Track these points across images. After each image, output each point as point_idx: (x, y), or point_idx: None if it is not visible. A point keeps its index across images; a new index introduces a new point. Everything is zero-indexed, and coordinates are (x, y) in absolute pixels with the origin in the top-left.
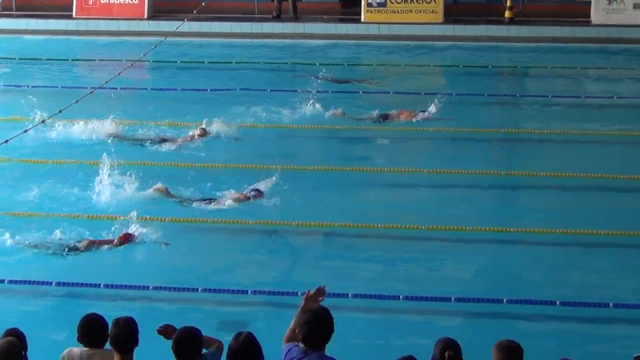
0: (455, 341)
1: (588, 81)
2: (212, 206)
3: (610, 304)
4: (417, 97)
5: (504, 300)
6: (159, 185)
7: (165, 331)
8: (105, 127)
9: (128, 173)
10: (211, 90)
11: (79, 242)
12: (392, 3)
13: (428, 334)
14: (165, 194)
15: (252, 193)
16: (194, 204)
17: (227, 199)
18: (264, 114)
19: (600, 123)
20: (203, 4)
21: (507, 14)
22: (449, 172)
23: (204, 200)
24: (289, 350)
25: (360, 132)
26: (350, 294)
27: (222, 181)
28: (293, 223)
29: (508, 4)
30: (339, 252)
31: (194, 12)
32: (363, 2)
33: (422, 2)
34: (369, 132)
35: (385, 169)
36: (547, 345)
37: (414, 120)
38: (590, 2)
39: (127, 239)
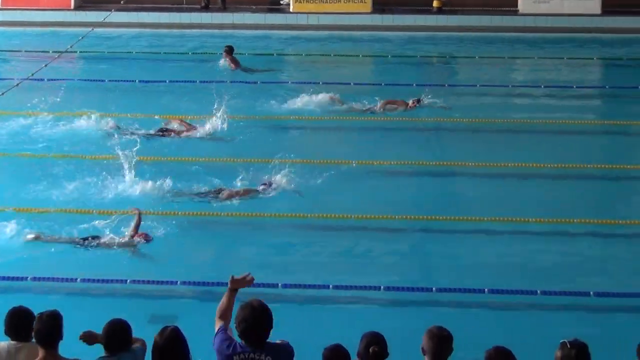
0: (382, 336)
1: (516, 70)
2: (222, 199)
3: (591, 292)
4: (347, 87)
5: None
6: (163, 180)
7: (88, 336)
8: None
9: (130, 168)
10: (140, 81)
11: (96, 238)
12: None
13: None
14: (169, 189)
15: (261, 186)
16: (202, 198)
17: (237, 192)
18: (194, 106)
19: (528, 112)
20: None
21: (435, 3)
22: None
23: (212, 193)
24: (229, 345)
25: (359, 123)
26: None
27: (222, 175)
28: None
29: None
30: (354, 243)
31: (122, 2)
32: None
33: None
34: (369, 123)
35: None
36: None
37: (407, 110)
38: None
39: (144, 237)
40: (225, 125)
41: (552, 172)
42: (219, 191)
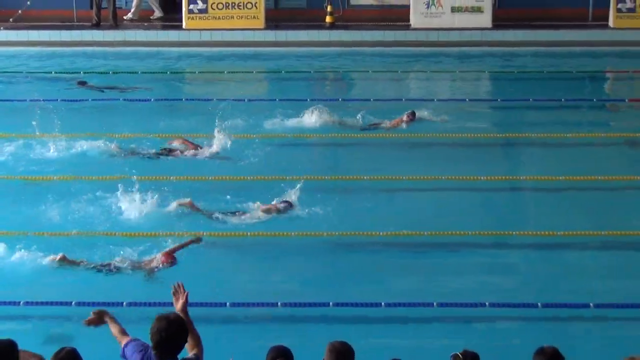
0: (288, 350)
1: (409, 84)
2: (243, 219)
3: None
4: (241, 104)
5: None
6: (184, 199)
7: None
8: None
9: (145, 188)
10: (31, 100)
11: (120, 261)
12: (214, 9)
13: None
14: (191, 208)
15: (282, 204)
16: (223, 217)
17: (257, 211)
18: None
19: (424, 125)
20: (20, 12)
21: (327, 19)
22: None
23: (233, 213)
24: (144, 355)
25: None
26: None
27: (237, 194)
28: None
29: (328, 9)
30: (379, 260)
31: (11, 20)
32: (184, 9)
33: (244, 8)
34: (371, 139)
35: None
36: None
37: (404, 126)
38: (409, 7)
39: (168, 260)
40: (229, 144)
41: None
42: (240, 211)
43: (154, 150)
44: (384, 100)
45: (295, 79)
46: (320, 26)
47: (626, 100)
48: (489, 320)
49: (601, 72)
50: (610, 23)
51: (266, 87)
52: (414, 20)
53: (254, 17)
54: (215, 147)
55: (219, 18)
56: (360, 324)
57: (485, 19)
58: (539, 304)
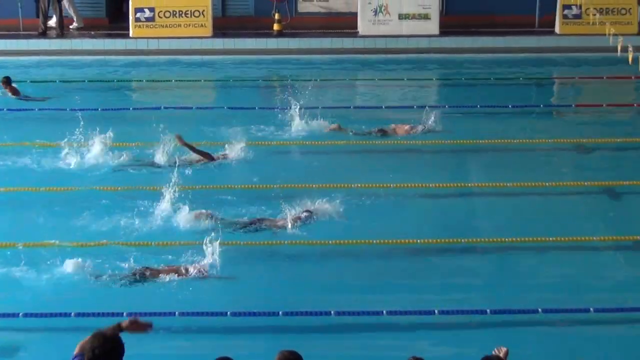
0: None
1: (357, 91)
2: (265, 228)
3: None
4: (189, 112)
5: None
6: (203, 210)
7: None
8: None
9: (161, 198)
10: None
11: (148, 270)
12: (161, 17)
13: None
14: (210, 218)
15: (304, 214)
16: (243, 227)
17: (278, 221)
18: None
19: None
20: None
21: (275, 26)
22: None
23: (252, 222)
24: None
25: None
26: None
27: (256, 203)
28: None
29: (276, 16)
30: (405, 268)
31: None
32: (131, 17)
33: (191, 16)
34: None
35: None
36: None
37: (412, 133)
38: (357, 14)
39: (199, 268)
40: (243, 153)
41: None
42: (263, 220)
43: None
44: (331, 107)
45: (243, 87)
46: (268, 34)
47: (573, 106)
48: (437, 328)
49: (548, 78)
50: (557, 29)
51: (214, 95)
52: (361, 28)
53: (202, 25)
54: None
55: (167, 26)
56: (363, 331)
57: (432, 26)
58: (488, 310)
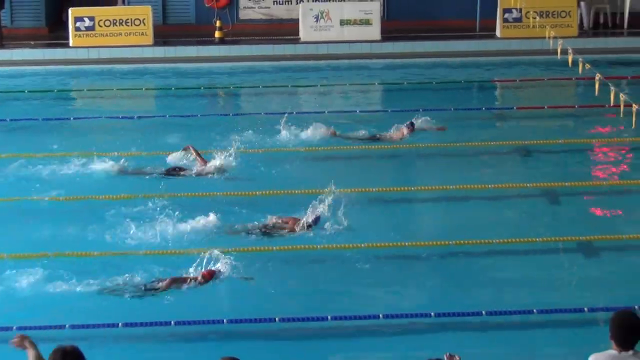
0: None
1: (299, 97)
2: (272, 233)
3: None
4: (130, 121)
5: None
6: (209, 216)
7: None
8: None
9: (167, 207)
10: None
11: (159, 281)
12: (101, 26)
13: None
14: (217, 225)
15: (312, 218)
16: (252, 233)
17: (288, 226)
18: None
19: (319, 139)
20: None
21: (217, 34)
22: None
23: (261, 228)
24: None
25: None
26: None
27: (260, 209)
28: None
29: (218, 24)
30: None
31: None
32: (71, 26)
33: (132, 25)
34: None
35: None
36: None
37: (407, 136)
38: (298, 20)
39: (211, 275)
40: (233, 159)
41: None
42: (271, 225)
43: (163, 169)
44: (274, 113)
45: (185, 95)
46: (210, 41)
47: (514, 109)
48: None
49: (489, 82)
50: (498, 33)
51: (156, 103)
52: (303, 34)
53: (143, 34)
54: (219, 162)
55: (107, 35)
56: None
57: (374, 32)
58: (432, 313)
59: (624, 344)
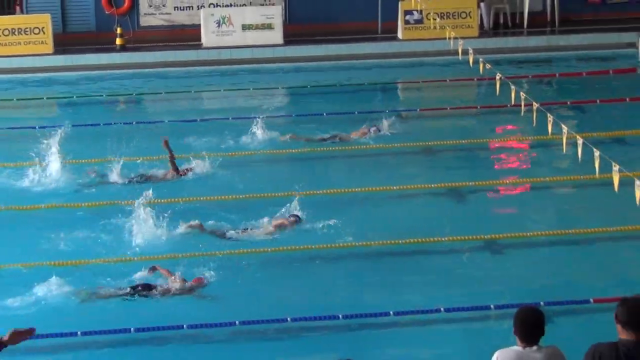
0: None
1: (203, 103)
2: (255, 235)
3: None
4: (32, 131)
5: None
6: (193, 221)
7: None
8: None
9: (148, 212)
10: None
11: (147, 287)
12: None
13: None
14: (200, 229)
15: (290, 219)
16: (235, 236)
17: (267, 227)
18: None
19: (225, 144)
20: None
21: (118, 41)
22: None
23: (242, 230)
24: None
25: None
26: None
27: (241, 212)
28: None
29: (118, 31)
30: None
31: None
32: None
33: (31, 34)
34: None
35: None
36: None
37: (367, 137)
38: (200, 26)
39: (199, 283)
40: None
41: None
42: (250, 227)
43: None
44: (179, 121)
45: (87, 103)
46: (111, 49)
47: (417, 110)
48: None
49: (392, 83)
50: (399, 35)
51: (58, 112)
52: (205, 40)
53: (42, 42)
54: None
55: (6, 44)
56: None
57: (276, 36)
58: (340, 316)
59: (528, 340)
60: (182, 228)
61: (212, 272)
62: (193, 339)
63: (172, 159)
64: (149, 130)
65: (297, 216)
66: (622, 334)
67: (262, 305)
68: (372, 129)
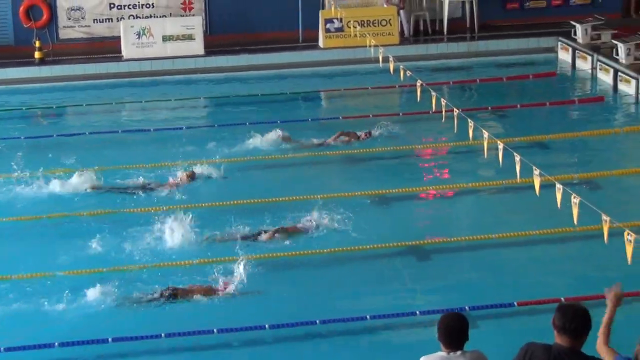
0: None
1: (124, 115)
2: (267, 240)
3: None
4: None
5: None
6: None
7: None
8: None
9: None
10: None
11: (177, 290)
12: None
13: None
14: (215, 234)
15: (306, 224)
16: (248, 241)
17: (281, 232)
18: None
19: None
20: None
21: (37, 54)
22: None
23: (257, 235)
24: None
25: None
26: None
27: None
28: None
29: (37, 44)
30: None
31: None
32: None
33: None
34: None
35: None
36: None
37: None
38: (120, 38)
39: (226, 287)
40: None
41: None
42: (263, 232)
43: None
44: (98, 132)
45: (8, 117)
46: (30, 62)
47: (340, 118)
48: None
49: (314, 92)
50: (320, 43)
51: None
52: (125, 52)
53: None
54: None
55: None
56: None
57: (197, 47)
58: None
59: (452, 345)
60: (194, 233)
61: (238, 276)
62: (224, 344)
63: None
64: (65, 143)
65: (311, 221)
66: (557, 339)
67: (290, 308)
68: (364, 134)
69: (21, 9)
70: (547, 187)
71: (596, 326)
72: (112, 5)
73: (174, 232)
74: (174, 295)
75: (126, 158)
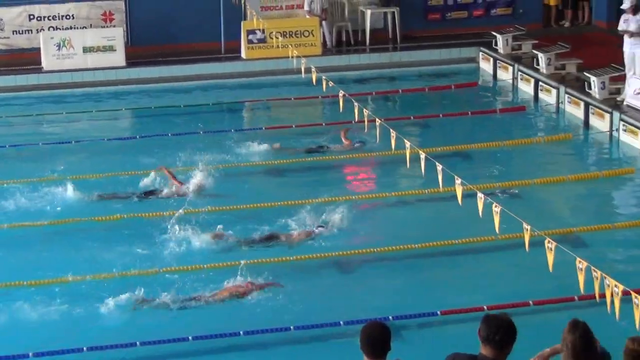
0: None
1: (45, 127)
2: (280, 243)
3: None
4: None
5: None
6: (217, 231)
7: None
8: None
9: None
10: None
11: (202, 294)
12: None
13: None
14: (225, 239)
15: (318, 229)
16: (263, 245)
17: (293, 236)
18: None
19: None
20: None
21: None
22: None
23: (269, 239)
24: None
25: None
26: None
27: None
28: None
29: None
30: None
31: None
32: None
33: None
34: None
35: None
36: None
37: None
38: (39, 49)
39: (250, 289)
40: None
41: None
42: (276, 236)
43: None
44: (18, 145)
45: None
46: None
47: (263, 129)
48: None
49: (238, 103)
50: (242, 54)
51: None
52: (45, 63)
53: None
54: (197, 181)
55: None
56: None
57: (118, 58)
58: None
59: (375, 355)
60: (208, 237)
61: (260, 280)
62: (249, 346)
63: (173, 177)
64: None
65: (323, 226)
66: (482, 349)
67: (315, 309)
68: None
69: None
70: (470, 196)
71: (521, 336)
72: (31, 17)
73: (192, 236)
74: (198, 298)
75: (45, 171)
